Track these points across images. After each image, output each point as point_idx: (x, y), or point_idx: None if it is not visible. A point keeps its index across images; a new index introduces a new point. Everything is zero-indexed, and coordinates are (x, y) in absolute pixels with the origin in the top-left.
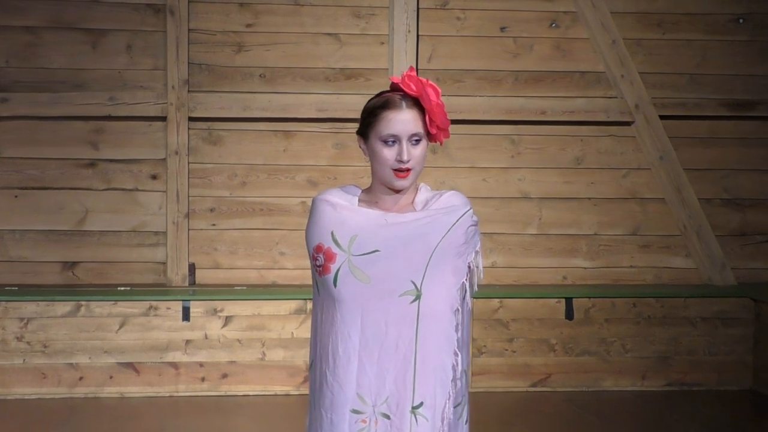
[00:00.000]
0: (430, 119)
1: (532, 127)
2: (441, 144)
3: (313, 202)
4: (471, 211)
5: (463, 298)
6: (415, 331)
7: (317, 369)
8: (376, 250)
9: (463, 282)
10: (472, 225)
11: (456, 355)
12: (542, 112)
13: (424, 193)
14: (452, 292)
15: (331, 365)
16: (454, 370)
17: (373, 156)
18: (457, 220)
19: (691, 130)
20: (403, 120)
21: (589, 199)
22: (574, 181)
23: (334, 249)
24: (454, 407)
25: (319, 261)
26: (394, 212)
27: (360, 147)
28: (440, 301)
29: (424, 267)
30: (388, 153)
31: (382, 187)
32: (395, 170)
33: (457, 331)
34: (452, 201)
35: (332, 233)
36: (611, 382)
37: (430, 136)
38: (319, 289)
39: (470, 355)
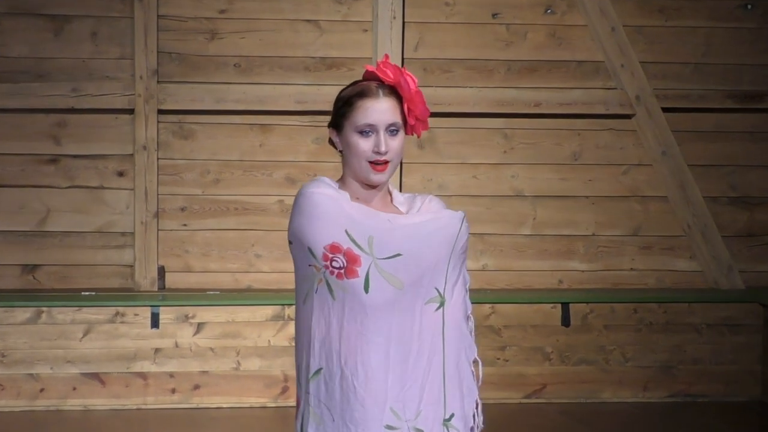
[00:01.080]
0: (409, 108)
1: (526, 121)
2: (419, 137)
3: (308, 195)
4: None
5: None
6: (442, 341)
7: (337, 379)
8: (398, 254)
9: (467, 288)
10: (469, 232)
11: (476, 362)
12: (536, 104)
13: (398, 194)
14: (465, 298)
15: (361, 377)
16: (474, 377)
17: (347, 149)
18: (462, 226)
19: (695, 123)
20: (380, 109)
21: (587, 197)
22: (570, 178)
23: (356, 250)
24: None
25: (338, 263)
26: (383, 212)
27: (332, 140)
28: (459, 309)
29: (445, 272)
30: (365, 144)
31: (356, 184)
32: (372, 163)
33: (472, 335)
34: (439, 205)
35: (347, 232)
36: (610, 393)
37: (407, 128)
38: (333, 292)
39: None
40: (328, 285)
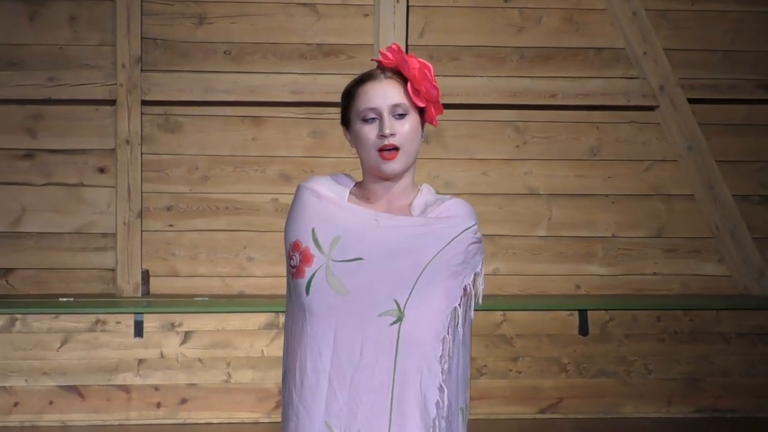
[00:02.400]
0: (414, 88)
1: (540, 113)
2: (435, 124)
3: (297, 189)
4: (476, 227)
5: (456, 325)
6: (393, 358)
7: (285, 387)
8: (359, 258)
9: (455, 307)
10: (474, 243)
11: (441, 390)
12: (552, 94)
13: (425, 195)
14: (440, 317)
15: (297, 385)
16: (438, 407)
17: (357, 142)
18: (458, 235)
19: (724, 115)
20: (381, 91)
21: (606, 195)
22: (588, 175)
23: (313, 250)
24: None
25: (294, 261)
26: (386, 213)
27: (346, 139)
28: (425, 327)
29: (411, 285)
30: (370, 131)
31: (373, 180)
32: (380, 151)
33: (441, 362)
34: (455, 210)
35: (313, 231)
36: (631, 408)
37: (421, 114)
38: (291, 293)
39: (468, 391)
40: (288, 285)
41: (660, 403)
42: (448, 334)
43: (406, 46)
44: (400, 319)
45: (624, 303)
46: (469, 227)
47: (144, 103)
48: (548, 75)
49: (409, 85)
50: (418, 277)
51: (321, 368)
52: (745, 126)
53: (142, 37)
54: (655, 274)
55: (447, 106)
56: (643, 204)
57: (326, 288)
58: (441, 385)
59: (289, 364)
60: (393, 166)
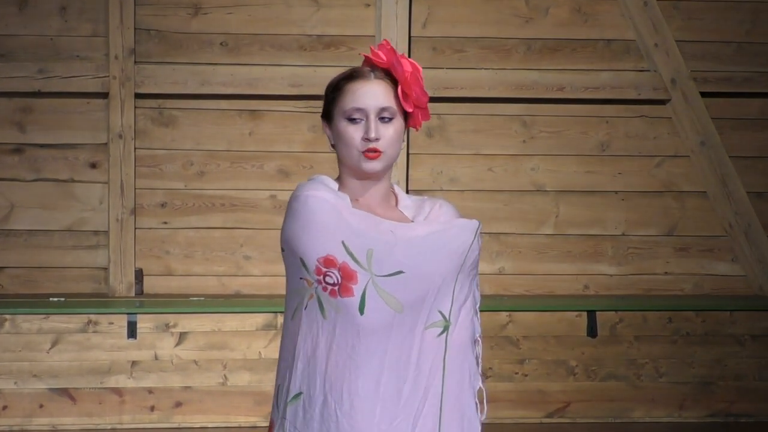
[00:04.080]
0: (404, 93)
1: (548, 107)
2: (417, 129)
3: (303, 199)
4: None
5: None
6: (443, 370)
7: (318, 406)
8: (400, 272)
9: (476, 308)
10: (480, 245)
11: (481, 391)
12: (560, 88)
13: (405, 197)
14: (473, 320)
15: (346, 406)
16: (479, 410)
17: (338, 139)
18: (473, 240)
19: (738, 109)
20: (370, 92)
21: (616, 192)
22: (597, 171)
23: (353, 265)
24: None
25: (333, 279)
26: (385, 218)
27: (325, 133)
28: (465, 333)
29: (451, 293)
30: (354, 132)
31: (354, 181)
32: (362, 152)
33: (478, 365)
34: (450, 212)
35: (344, 244)
36: (642, 413)
37: (407, 118)
38: (324, 311)
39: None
40: (320, 302)
41: (672, 408)
42: (479, 336)
43: (409, 37)
44: (446, 329)
45: (634, 304)
46: (478, 229)
47: (137, 96)
48: (556, 68)
49: (399, 88)
50: (455, 282)
51: (374, 389)
52: (760, 120)
53: (135, 28)
54: (666, 273)
55: (451, 100)
56: (654, 201)
57: (383, 306)
58: (481, 387)
59: (326, 386)
60: (374, 164)
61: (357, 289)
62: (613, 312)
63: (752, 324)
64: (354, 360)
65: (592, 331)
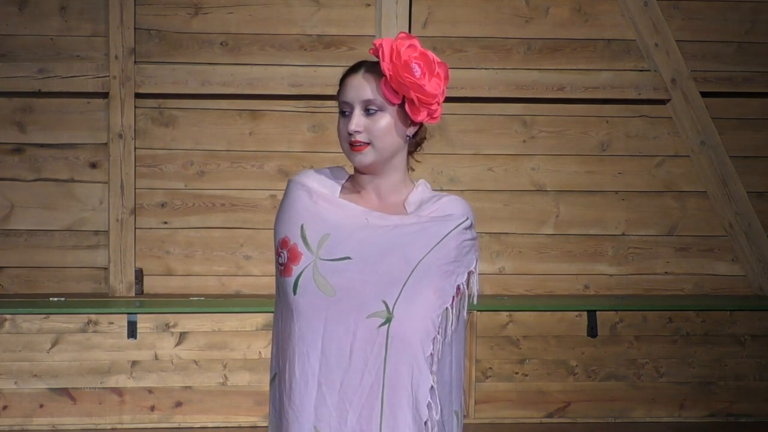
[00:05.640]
0: (385, 78)
1: (548, 106)
2: (421, 121)
3: (288, 184)
4: (468, 222)
5: (446, 326)
6: (383, 361)
7: (273, 389)
8: (347, 257)
9: (447, 307)
10: (467, 240)
11: (433, 391)
12: (560, 87)
13: (420, 192)
14: (431, 316)
15: (287, 388)
16: (430, 408)
17: None
18: (449, 232)
19: (738, 109)
20: (356, 85)
21: (616, 192)
22: (597, 171)
23: (301, 247)
24: None
25: (282, 259)
26: (378, 211)
27: None
28: (414, 327)
29: (401, 285)
30: (343, 125)
31: (358, 174)
32: (351, 144)
33: (431, 362)
34: (449, 208)
35: (302, 227)
36: (642, 413)
37: (410, 111)
38: (279, 292)
39: (463, 395)
40: (276, 282)
41: (672, 408)
42: (438, 334)
43: None
44: (389, 321)
45: (634, 304)
46: (461, 223)
47: (137, 95)
48: (556, 67)
49: (383, 80)
50: (408, 277)
51: (310, 371)
52: (760, 120)
53: (135, 28)
54: (666, 273)
55: (451, 100)
56: (654, 201)
57: (313, 288)
58: (432, 386)
59: (278, 366)
60: (360, 158)
61: (296, 269)
62: (614, 312)
63: (752, 324)
64: (291, 341)
65: (592, 331)
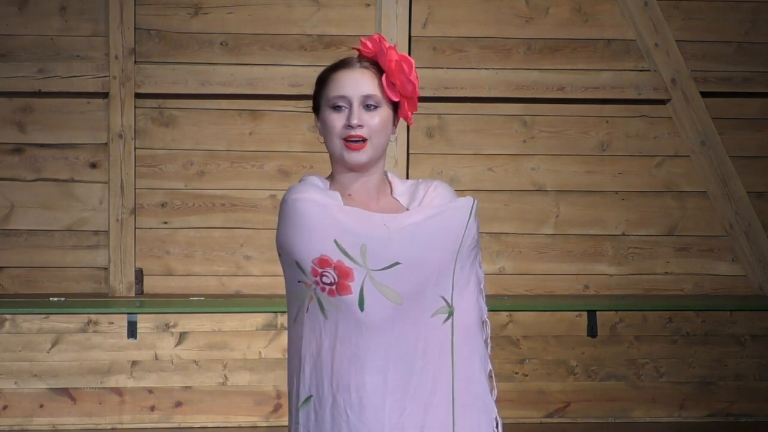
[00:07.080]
0: (389, 81)
1: (548, 106)
2: (410, 122)
3: (291, 203)
4: (477, 204)
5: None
6: (451, 354)
7: (328, 407)
8: (397, 263)
9: (481, 288)
10: (477, 222)
11: (490, 375)
12: (560, 87)
13: (399, 184)
14: (478, 300)
15: (355, 405)
16: (491, 393)
17: (324, 130)
18: (469, 219)
19: (738, 109)
20: (354, 79)
21: (616, 192)
22: (597, 171)
23: (348, 263)
24: None
25: (329, 278)
26: (381, 213)
27: (315, 126)
28: (470, 315)
29: (451, 277)
30: (337, 119)
31: (344, 175)
32: (345, 140)
33: (487, 346)
34: (444, 193)
35: (336, 243)
36: (642, 413)
37: (396, 110)
38: (325, 311)
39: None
40: (320, 303)
41: (672, 408)
42: (486, 317)
43: (409, 37)
44: (451, 315)
45: (634, 303)
46: (473, 207)
47: (137, 95)
48: (556, 67)
49: (384, 77)
50: (455, 265)
51: (381, 384)
52: (760, 120)
53: (135, 28)
54: (666, 273)
55: (451, 100)
56: (654, 201)
57: (381, 299)
58: (491, 371)
59: (334, 385)
60: (357, 156)
61: (354, 286)
62: (613, 312)
63: (752, 324)
64: (358, 356)
65: (592, 330)
